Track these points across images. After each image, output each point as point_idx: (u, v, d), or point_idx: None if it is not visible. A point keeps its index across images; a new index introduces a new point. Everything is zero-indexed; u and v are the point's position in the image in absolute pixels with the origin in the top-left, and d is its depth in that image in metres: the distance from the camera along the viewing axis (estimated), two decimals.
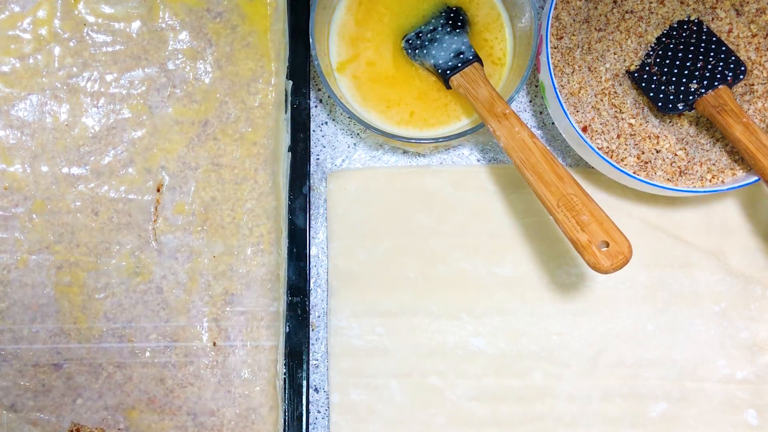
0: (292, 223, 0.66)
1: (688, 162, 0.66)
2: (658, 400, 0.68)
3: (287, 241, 0.66)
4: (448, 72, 0.66)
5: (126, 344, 0.67)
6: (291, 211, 0.67)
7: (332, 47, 0.69)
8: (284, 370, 0.64)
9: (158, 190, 0.68)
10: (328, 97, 0.72)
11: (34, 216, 0.67)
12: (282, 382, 0.64)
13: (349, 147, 0.72)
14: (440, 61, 0.66)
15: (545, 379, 0.68)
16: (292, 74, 0.68)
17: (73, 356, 0.66)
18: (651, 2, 0.67)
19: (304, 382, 0.64)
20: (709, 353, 0.68)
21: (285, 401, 0.64)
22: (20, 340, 0.66)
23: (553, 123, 0.72)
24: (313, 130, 0.72)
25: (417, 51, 0.67)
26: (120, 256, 0.67)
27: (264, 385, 0.66)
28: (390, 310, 0.69)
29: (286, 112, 0.68)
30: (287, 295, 0.65)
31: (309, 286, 0.66)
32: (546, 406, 0.67)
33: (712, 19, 0.67)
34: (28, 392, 0.66)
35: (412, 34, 0.68)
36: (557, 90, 0.63)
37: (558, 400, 0.68)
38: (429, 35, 0.67)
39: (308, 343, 0.65)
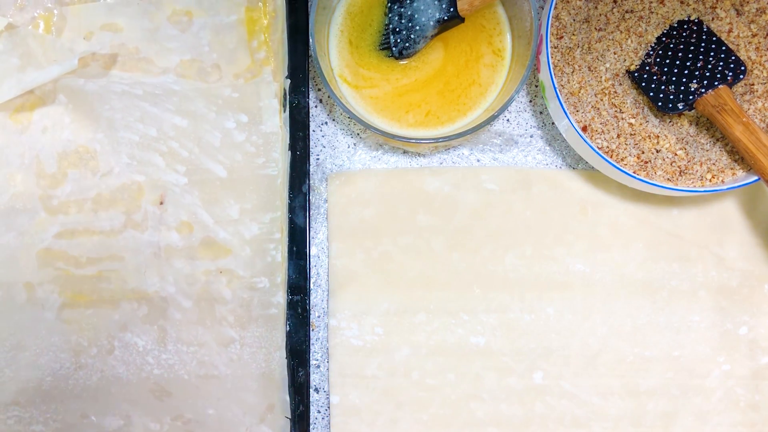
0: (292, 222, 0.66)
1: (688, 162, 0.66)
2: (658, 398, 0.68)
3: (287, 239, 0.66)
4: (447, 20, 0.66)
5: (127, 362, 0.66)
6: (291, 209, 0.66)
7: (332, 48, 0.69)
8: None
9: (160, 195, 0.68)
10: (328, 97, 0.72)
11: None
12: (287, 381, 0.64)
13: (349, 147, 0.72)
14: (437, 14, 0.66)
15: (545, 378, 0.68)
16: (290, 73, 0.68)
17: (72, 377, 0.66)
18: (651, 2, 0.67)
19: (306, 381, 0.64)
20: (708, 350, 0.68)
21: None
22: (20, 360, 0.66)
23: (553, 123, 0.72)
24: (313, 130, 0.71)
25: (406, 43, 0.67)
26: (122, 271, 0.67)
27: (268, 401, 0.66)
28: (389, 310, 0.69)
29: (285, 111, 0.68)
30: (288, 294, 0.65)
31: (309, 285, 0.66)
32: (546, 406, 0.68)
33: (712, 18, 0.67)
34: (27, 391, 0.66)
35: (385, 33, 0.68)
36: (557, 90, 0.63)
37: (558, 400, 0.68)
38: (404, 18, 0.67)
39: (309, 342, 0.65)
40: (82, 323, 0.66)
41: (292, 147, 0.67)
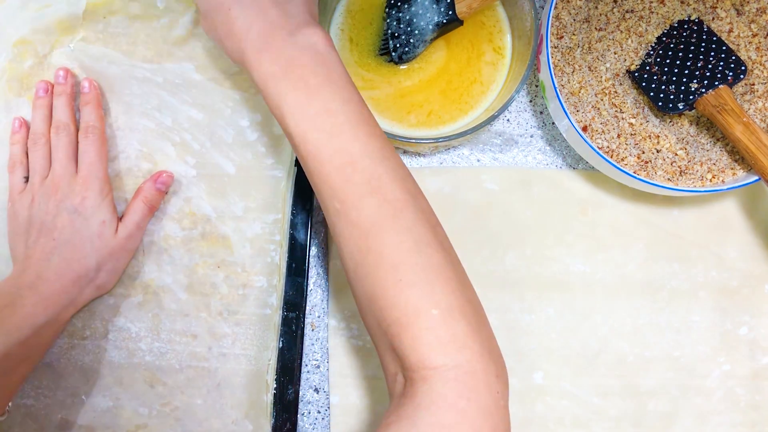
0: (292, 238, 0.66)
1: (689, 162, 0.66)
2: (658, 398, 0.68)
3: (287, 255, 0.66)
4: (446, 23, 0.66)
5: (119, 347, 0.66)
6: (293, 226, 0.66)
7: None
8: (275, 385, 0.64)
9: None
10: None
11: None
12: (272, 397, 0.64)
13: None
14: (436, 18, 0.66)
15: (545, 378, 0.68)
16: None
17: (65, 356, 0.66)
18: (651, 2, 0.67)
19: (295, 399, 0.64)
20: (708, 350, 0.68)
21: (274, 416, 0.63)
22: None
23: (553, 123, 0.72)
24: None
25: (405, 48, 0.67)
26: None
27: (254, 398, 0.66)
28: None
29: None
30: (283, 311, 0.65)
31: (305, 303, 0.65)
32: (546, 406, 0.67)
33: (713, 18, 0.67)
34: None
35: (384, 38, 0.68)
36: (557, 89, 0.63)
37: (558, 400, 0.68)
38: (402, 23, 0.67)
39: (300, 360, 0.64)
40: None
41: (299, 163, 0.67)
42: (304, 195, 0.66)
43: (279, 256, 0.67)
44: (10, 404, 0.63)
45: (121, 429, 0.65)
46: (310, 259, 0.67)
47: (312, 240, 0.69)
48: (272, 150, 0.69)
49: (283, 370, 0.64)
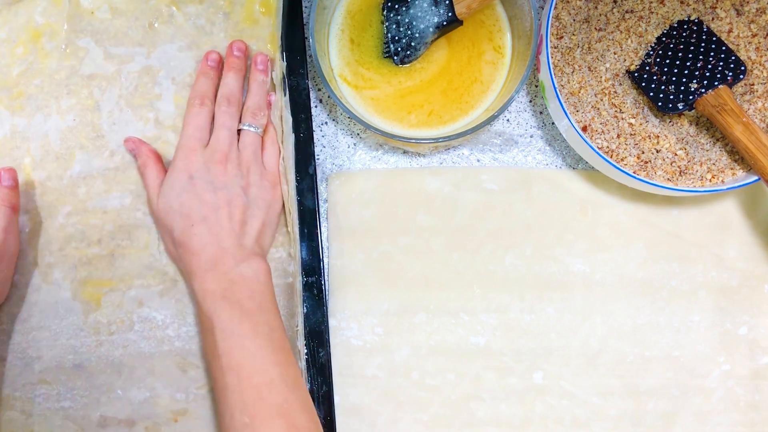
0: (301, 204, 0.66)
1: (688, 162, 0.66)
2: (658, 398, 0.68)
3: (298, 221, 0.66)
4: (446, 25, 0.66)
5: (147, 337, 0.66)
6: (299, 191, 0.66)
7: (332, 48, 0.69)
8: (305, 351, 0.64)
9: None
10: (328, 97, 0.72)
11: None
12: (305, 363, 0.64)
13: (349, 147, 0.72)
14: (435, 20, 0.66)
15: (545, 378, 0.68)
16: (287, 55, 0.68)
17: (95, 354, 0.66)
18: (651, 2, 0.67)
19: (327, 361, 0.64)
20: (708, 350, 0.68)
21: (309, 381, 0.64)
22: (41, 340, 0.66)
23: (553, 123, 0.72)
24: (313, 130, 0.71)
25: (407, 51, 0.67)
26: (134, 249, 0.67)
27: None
28: (389, 310, 0.69)
29: (285, 94, 0.68)
30: (302, 276, 0.65)
31: (323, 266, 0.66)
32: (546, 406, 0.68)
33: (712, 18, 0.67)
34: (51, 370, 0.66)
35: (386, 42, 0.68)
36: (557, 90, 0.63)
37: (558, 400, 0.68)
38: (401, 26, 0.67)
39: (327, 322, 0.64)
40: (99, 301, 0.66)
41: (295, 129, 0.66)
42: (306, 161, 0.66)
43: (290, 225, 0.67)
44: None
45: (161, 417, 0.65)
46: (322, 223, 0.67)
47: (320, 205, 0.69)
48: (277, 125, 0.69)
49: (312, 334, 0.64)
